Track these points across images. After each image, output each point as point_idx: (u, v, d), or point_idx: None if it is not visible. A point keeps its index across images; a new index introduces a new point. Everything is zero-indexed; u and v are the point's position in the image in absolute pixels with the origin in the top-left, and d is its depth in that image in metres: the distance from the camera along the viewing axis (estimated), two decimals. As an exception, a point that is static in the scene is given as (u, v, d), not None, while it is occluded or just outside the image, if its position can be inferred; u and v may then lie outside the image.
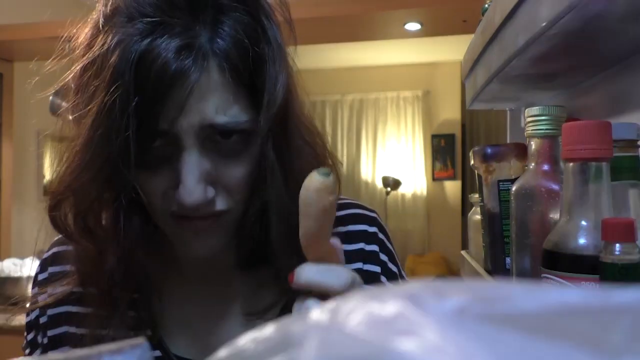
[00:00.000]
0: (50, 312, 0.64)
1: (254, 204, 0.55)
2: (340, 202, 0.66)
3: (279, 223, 0.55)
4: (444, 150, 5.57)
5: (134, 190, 0.52)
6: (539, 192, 0.59)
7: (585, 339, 0.14)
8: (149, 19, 0.47)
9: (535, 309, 0.16)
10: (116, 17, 0.49)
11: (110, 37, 0.48)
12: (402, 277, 0.67)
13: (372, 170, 5.63)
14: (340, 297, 0.18)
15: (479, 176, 0.84)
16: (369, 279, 0.63)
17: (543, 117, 0.58)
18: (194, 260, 0.61)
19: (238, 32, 0.50)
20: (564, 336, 0.14)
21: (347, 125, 5.68)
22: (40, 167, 3.73)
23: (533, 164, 0.60)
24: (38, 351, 0.65)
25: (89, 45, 0.51)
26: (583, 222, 0.45)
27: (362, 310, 0.16)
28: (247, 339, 0.18)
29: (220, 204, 0.53)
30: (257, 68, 0.51)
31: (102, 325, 0.57)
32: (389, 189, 5.30)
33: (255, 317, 0.60)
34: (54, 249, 0.67)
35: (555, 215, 0.58)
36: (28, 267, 2.29)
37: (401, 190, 5.43)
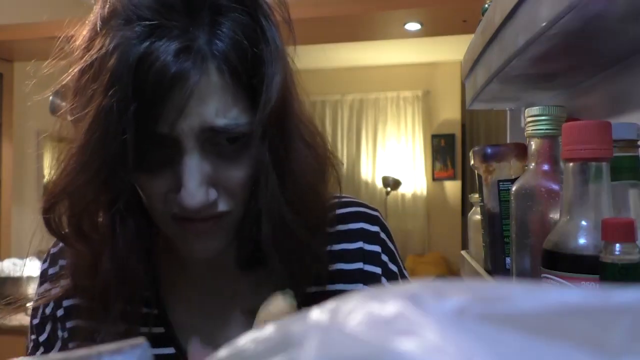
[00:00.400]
0: (65, 303, 0.64)
1: (253, 205, 0.55)
2: (342, 200, 0.66)
3: (269, 225, 0.54)
4: (444, 150, 5.57)
5: (131, 193, 0.52)
6: (539, 192, 0.59)
7: (585, 339, 0.14)
8: (147, 22, 0.47)
9: (535, 309, 0.16)
10: (114, 19, 0.49)
11: (108, 40, 0.48)
12: (403, 276, 0.67)
13: (372, 170, 5.63)
14: (340, 298, 0.18)
15: (479, 176, 0.84)
16: (370, 280, 0.63)
17: (543, 117, 0.58)
18: (196, 261, 0.61)
19: (236, 33, 0.50)
20: (564, 336, 0.14)
21: (347, 125, 5.68)
22: (40, 167, 3.72)
23: (533, 164, 0.60)
24: (57, 345, 0.64)
25: (87, 48, 0.50)
26: (583, 222, 0.45)
27: (362, 310, 0.16)
28: (247, 339, 0.18)
29: (222, 206, 0.53)
30: (255, 69, 0.51)
31: (98, 326, 0.57)
32: (389, 189, 5.30)
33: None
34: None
35: (555, 215, 0.58)
36: (28, 267, 2.29)
37: (401, 190, 5.43)
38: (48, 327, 0.65)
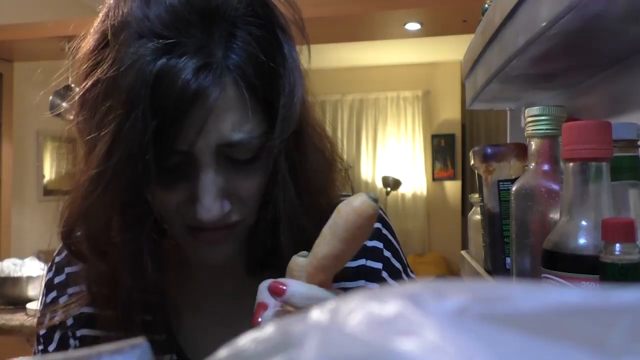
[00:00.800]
0: (73, 312, 0.63)
1: (266, 212, 0.55)
2: (345, 198, 0.66)
3: (289, 233, 0.55)
4: (444, 150, 5.57)
5: (145, 206, 0.51)
6: (539, 192, 0.59)
7: (585, 339, 0.14)
8: (162, 40, 0.46)
9: (535, 309, 0.16)
10: (125, 32, 0.47)
11: (121, 55, 0.46)
12: (407, 274, 0.66)
13: (372, 170, 5.63)
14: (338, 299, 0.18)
15: (479, 176, 0.84)
16: (371, 275, 0.63)
17: (543, 117, 0.58)
18: (205, 266, 0.61)
19: (252, 46, 0.49)
20: (564, 336, 0.14)
21: (347, 125, 5.69)
22: (40, 167, 3.73)
23: (533, 164, 0.60)
24: None
25: (96, 59, 0.49)
26: (583, 222, 0.45)
27: (362, 310, 0.16)
28: (247, 339, 0.18)
29: (235, 215, 0.53)
30: (272, 82, 0.51)
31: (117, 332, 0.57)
32: (389, 189, 5.30)
33: None
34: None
35: (555, 215, 0.58)
36: (28, 267, 2.29)
37: (401, 190, 5.43)
38: (56, 336, 0.64)
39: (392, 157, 5.59)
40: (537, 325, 0.15)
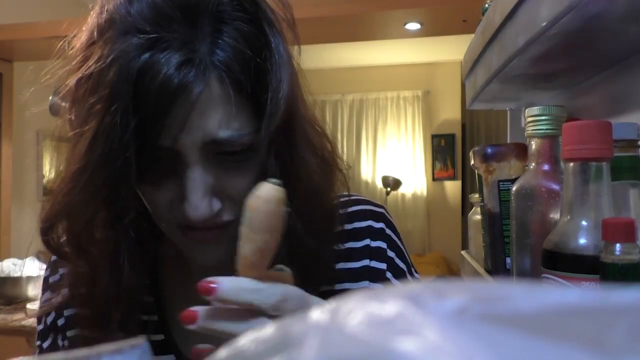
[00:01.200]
0: (66, 313, 0.64)
1: None
2: (347, 199, 0.66)
3: None
4: (444, 150, 5.57)
5: (132, 204, 0.51)
6: (539, 192, 0.59)
7: (585, 339, 0.14)
8: (145, 35, 0.46)
9: (535, 309, 0.16)
10: (111, 30, 0.47)
11: (105, 52, 0.46)
12: (412, 274, 0.66)
13: (372, 170, 5.63)
14: (338, 300, 0.18)
15: (479, 176, 0.84)
16: (375, 276, 0.62)
17: (543, 117, 0.58)
18: (200, 266, 0.61)
19: (239, 42, 0.48)
20: (564, 336, 0.14)
21: (347, 125, 5.69)
22: (40, 167, 3.73)
23: (533, 164, 0.60)
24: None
25: (84, 57, 0.49)
26: (583, 222, 0.45)
27: (362, 310, 0.16)
28: (247, 339, 0.18)
29: (227, 215, 0.53)
30: (259, 78, 0.50)
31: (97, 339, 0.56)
32: (389, 189, 5.30)
33: None
34: None
35: (555, 215, 0.58)
36: (28, 267, 2.29)
37: (401, 190, 5.43)
38: (51, 336, 0.65)
39: (392, 157, 5.59)
40: (537, 325, 0.15)
